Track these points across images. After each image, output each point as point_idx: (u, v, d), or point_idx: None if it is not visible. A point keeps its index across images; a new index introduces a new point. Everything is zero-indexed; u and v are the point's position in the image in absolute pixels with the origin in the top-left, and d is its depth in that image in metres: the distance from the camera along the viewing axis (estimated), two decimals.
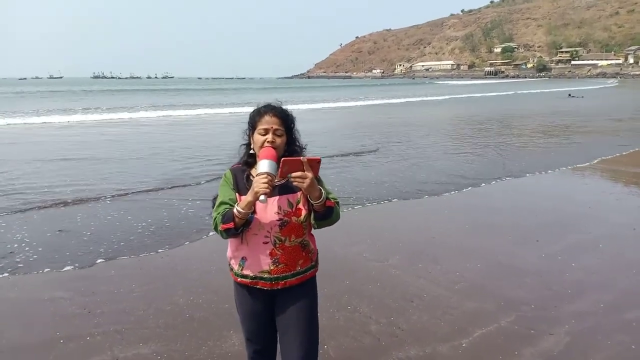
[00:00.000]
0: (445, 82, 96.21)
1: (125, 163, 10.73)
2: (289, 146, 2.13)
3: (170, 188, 8.21)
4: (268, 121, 2.06)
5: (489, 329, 3.55)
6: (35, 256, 5.06)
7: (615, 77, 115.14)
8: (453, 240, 5.55)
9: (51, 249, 5.26)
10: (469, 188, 8.17)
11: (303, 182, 1.90)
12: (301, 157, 1.91)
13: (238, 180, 2.10)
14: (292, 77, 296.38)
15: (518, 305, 3.92)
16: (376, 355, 3.22)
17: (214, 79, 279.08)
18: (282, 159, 1.90)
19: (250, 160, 2.15)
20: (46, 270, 4.72)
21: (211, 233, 5.64)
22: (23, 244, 5.40)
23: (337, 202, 2.11)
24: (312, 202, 1.99)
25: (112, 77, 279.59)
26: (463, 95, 45.48)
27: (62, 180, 8.76)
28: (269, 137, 2.04)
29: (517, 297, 4.06)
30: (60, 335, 3.49)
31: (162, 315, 3.78)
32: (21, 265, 4.84)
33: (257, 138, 2.07)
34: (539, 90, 55.00)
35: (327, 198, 2.03)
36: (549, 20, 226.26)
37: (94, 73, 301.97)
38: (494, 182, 8.62)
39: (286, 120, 2.11)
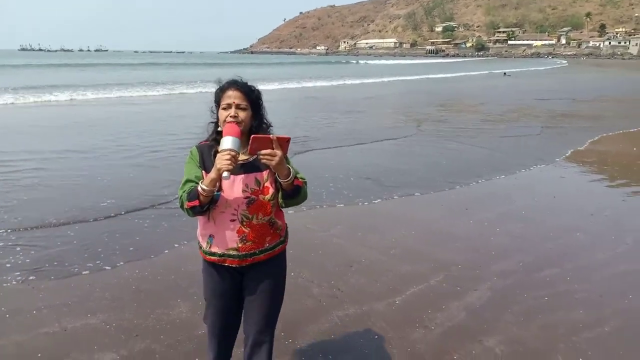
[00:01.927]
0: (385, 61, 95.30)
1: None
2: (256, 123, 2.12)
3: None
4: (230, 95, 2.05)
5: (420, 287, 3.88)
6: None
7: (558, 58, 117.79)
8: (391, 211, 5.87)
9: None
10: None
11: (272, 160, 1.90)
12: (271, 135, 1.92)
13: (205, 158, 2.09)
14: (234, 52, 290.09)
15: (448, 266, 4.27)
16: (318, 315, 3.45)
17: (152, 52, 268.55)
18: (252, 136, 1.90)
19: (218, 138, 2.08)
20: None
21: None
22: None
23: (305, 182, 2.12)
24: (280, 180, 2.01)
25: (41, 50, 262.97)
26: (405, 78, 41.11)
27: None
28: (232, 111, 2.03)
29: (446, 259, 4.41)
30: (5, 310, 3.49)
31: (109, 288, 3.84)
32: None
33: (221, 113, 2.06)
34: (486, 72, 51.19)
35: (296, 177, 2.05)
36: (488, 1, 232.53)
37: (20, 45, 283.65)
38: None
39: (249, 94, 2.08)
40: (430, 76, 42.21)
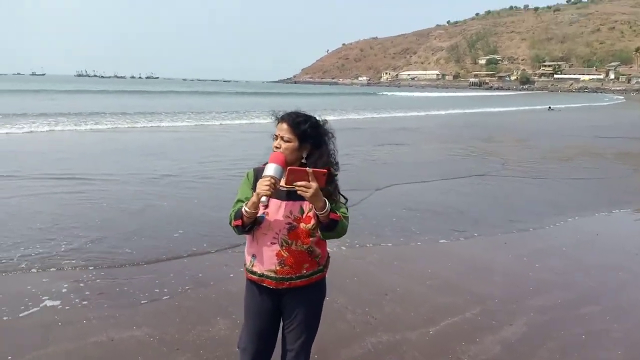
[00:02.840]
0: (427, 93, 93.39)
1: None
2: (314, 157, 2.18)
3: None
4: (279, 128, 2.18)
5: (455, 319, 3.89)
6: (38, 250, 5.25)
7: (608, 93, 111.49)
8: (427, 242, 5.89)
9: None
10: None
11: (307, 192, 1.97)
12: (307, 168, 2.00)
13: (259, 180, 2.14)
14: (278, 82, 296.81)
15: (484, 299, 4.26)
16: (351, 341, 3.52)
17: (199, 80, 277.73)
18: (288, 167, 2.00)
19: None
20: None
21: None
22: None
23: (346, 217, 2.16)
24: (316, 212, 2.07)
25: (95, 76, 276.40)
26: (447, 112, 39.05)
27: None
28: (277, 142, 2.16)
29: (483, 293, 4.40)
30: (58, 318, 3.72)
31: (154, 304, 4.03)
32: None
33: (273, 142, 2.19)
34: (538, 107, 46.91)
35: (332, 210, 2.09)
36: (533, 34, 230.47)
37: (77, 71, 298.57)
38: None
39: (296, 127, 2.15)
40: (476, 110, 41.00)
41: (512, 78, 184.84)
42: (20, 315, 3.77)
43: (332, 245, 5.28)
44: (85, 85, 79.90)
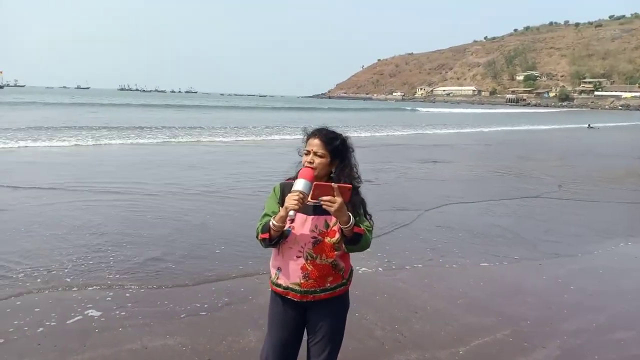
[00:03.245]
0: (461, 110, 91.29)
1: None
2: (337, 171, 2.27)
3: None
4: (311, 143, 2.24)
5: (486, 339, 3.84)
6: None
7: None
8: (458, 260, 5.82)
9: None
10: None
11: (332, 207, 2.03)
12: (332, 183, 2.06)
13: (286, 195, 2.20)
14: (312, 97, 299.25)
15: (516, 320, 4.19)
16: (379, 357, 3.53)
17: (237, 95, 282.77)
18: (314, 183, 2.06)
19: None
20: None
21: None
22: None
23: (369, 231, 2.23)
24: (340, 226, 2.12)
25: (137, 90, 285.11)
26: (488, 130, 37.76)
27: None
28: (309, 158, 2.23)
29: (515, 314, 4.33)
30: (96, 326, 3.87)
31: (187, 313, 4.14)
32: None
33: (303, 158, 2.27)
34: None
35: (356, 224, 2.14)
36: (573, 51, 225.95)
37: (119, 85, 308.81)
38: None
39: (329, 143, 2.24)
40: (516, 128, 39.81)
41: (551, 95, 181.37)
42: (67, 322, 3.92)
43: (370, 265, 5.34)
44: (128, 98, 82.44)
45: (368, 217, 2.31)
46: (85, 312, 4.08)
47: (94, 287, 4.63)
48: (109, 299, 4.37)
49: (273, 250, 2.34)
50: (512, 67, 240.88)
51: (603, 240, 6.86)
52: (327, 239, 2.22)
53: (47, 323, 3.87)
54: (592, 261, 5.94)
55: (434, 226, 7.30)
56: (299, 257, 2.23)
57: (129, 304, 4.27)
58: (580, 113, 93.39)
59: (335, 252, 2.24)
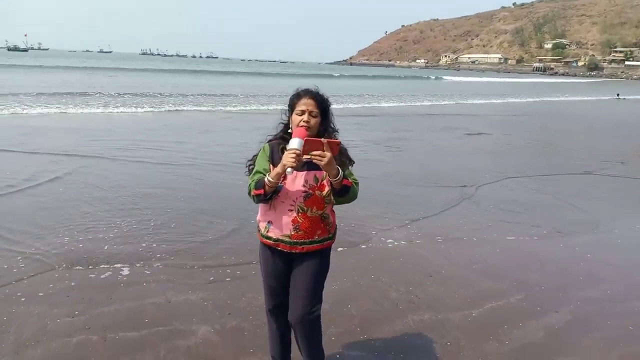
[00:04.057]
0: (487, 79, 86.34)
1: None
2: (324, 128, 2.41)
3: None
4: (305, 103, 2.36)
5: (499, 303, 3.91)
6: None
7: None
8: (477, 227, 5.85)
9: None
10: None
11: (321, 160, 2.15)
12: (322, 139, 2.18)
13: (274, 153, 2.38)
14: (333, 63, 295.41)
15: (531, 286, 4.24)
16: (393, 317, 3.63)
17: (257, 60, 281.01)
18: (305, 138, 2.17)
19: (286, 136, 2.40)
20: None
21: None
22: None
23: (356, 183, 2.37)
24: (330, 179, 2.26)
25: (159, 54, 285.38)
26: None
27: None
28: (305, 117, 2.33)
29: (530, 280, 4.38)
30: (120, 280, 4.05)
31: (208, 271, 4.29)
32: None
33: (295, 118, 2.37)
34: None
35: (345, 177, 2.28)
36: (605, 18, 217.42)
37: (141, 49, 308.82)
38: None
39: (322, 103, 2.40)
40: (549, 99, 38.03)
41: (580, 64, 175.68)
42: (95, 276, 4.10)
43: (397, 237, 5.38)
44: (149, 63, 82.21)
45: (352, 165, 2.44)
46: (114, 268, 4.26)
47: (124, 245, 4.81)
48: (137, 257, 4.54)
49: (261, 206, 2.47)
50: (540, 34, 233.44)
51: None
52: (318, 193, 2.34)
53: (76, 277, 4.07)
54: (611, 233, 5.90)
55: (491, 201, 7.06)
56: (291, 210, 2.36)
57: (155, 262, 4.43)
58: (612, 83, 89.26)
59: (325, 205, 2.39)
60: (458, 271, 4.52)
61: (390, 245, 5.10)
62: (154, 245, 4.82)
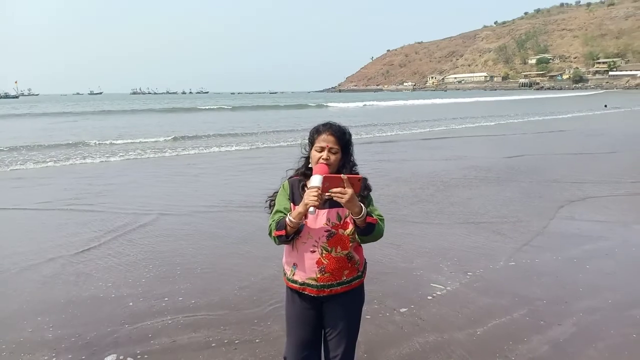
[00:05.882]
0: (476, 99, 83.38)
1: None
2: (341, 164, 2.29)
3: None
4: (325, 139, 2.25)
5: (502, 320, 3.93)
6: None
7: None
8: (475, 244, 5.89)
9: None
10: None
11: (342, 198, 2.03)
12: (342, 175, 2.06)
13: (294, 191, 2.28)
14: (323, 91, 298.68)
15: (532, 300, 4.28)
16: (399, 341, 3.64)
17: (248, 93, 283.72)
18: (324, 175, 2.07)
19: (307, 172, 2.29)
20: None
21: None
22: None
23: (381, 219, 2.22)
24: (353, 217, 2.13)
25: (149, 93, 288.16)
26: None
27: None
28: (324, 154, 2.22)
29: (531, 294, 4.41)
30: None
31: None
32: None
33: (314, 154, 2.26)
34: None
35: (369, 214, 2.15)
36: (585, 31, 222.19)
37: (132, 89, 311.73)
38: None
39: (342, 139, 2.28)
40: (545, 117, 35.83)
41: (564, 77, 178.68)
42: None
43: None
44: (139, 104, 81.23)
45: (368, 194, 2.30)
46: None
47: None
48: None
49: (286, 247, 2.35)
50: (523, 50, 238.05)
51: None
52: (341, 231, 2.23)
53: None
54: (606, 241, 5.96)
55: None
56: (314, 251, 2.24)
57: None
58: (600, 95, 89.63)
59: (350, 244, 2.26)
60: (459, 289, 4.55)
61: (388, 264, 5.12)
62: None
